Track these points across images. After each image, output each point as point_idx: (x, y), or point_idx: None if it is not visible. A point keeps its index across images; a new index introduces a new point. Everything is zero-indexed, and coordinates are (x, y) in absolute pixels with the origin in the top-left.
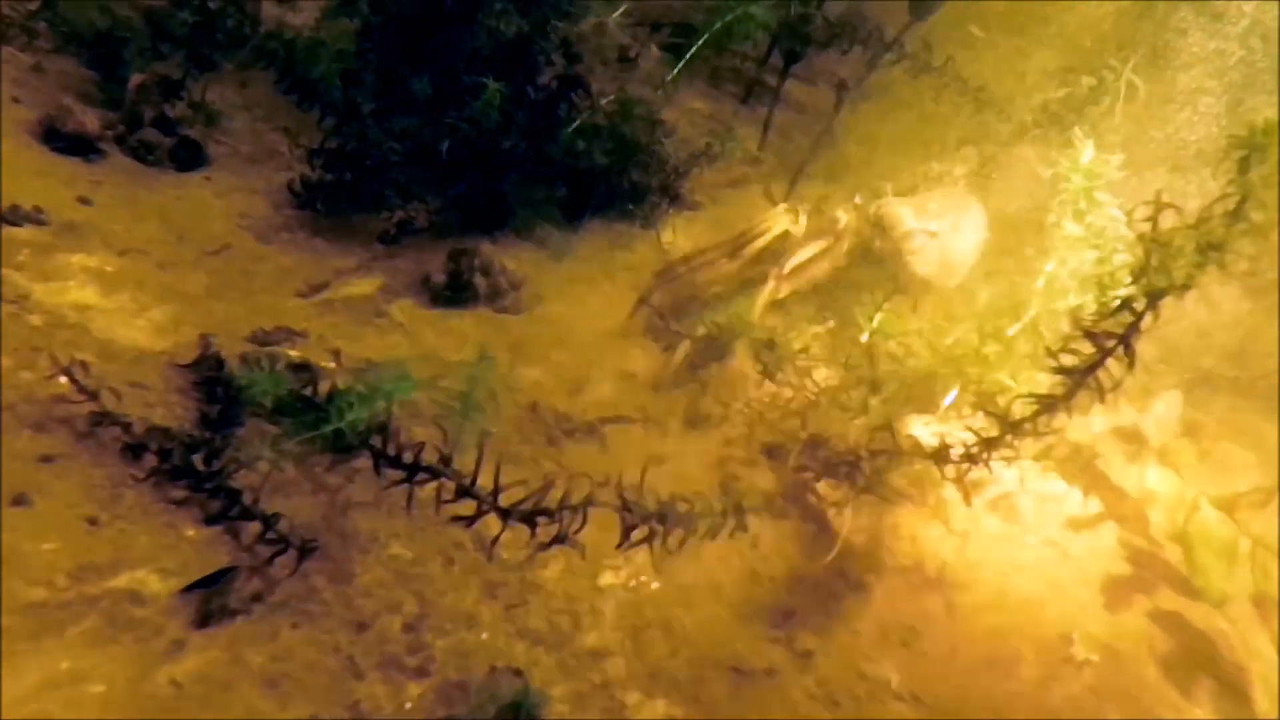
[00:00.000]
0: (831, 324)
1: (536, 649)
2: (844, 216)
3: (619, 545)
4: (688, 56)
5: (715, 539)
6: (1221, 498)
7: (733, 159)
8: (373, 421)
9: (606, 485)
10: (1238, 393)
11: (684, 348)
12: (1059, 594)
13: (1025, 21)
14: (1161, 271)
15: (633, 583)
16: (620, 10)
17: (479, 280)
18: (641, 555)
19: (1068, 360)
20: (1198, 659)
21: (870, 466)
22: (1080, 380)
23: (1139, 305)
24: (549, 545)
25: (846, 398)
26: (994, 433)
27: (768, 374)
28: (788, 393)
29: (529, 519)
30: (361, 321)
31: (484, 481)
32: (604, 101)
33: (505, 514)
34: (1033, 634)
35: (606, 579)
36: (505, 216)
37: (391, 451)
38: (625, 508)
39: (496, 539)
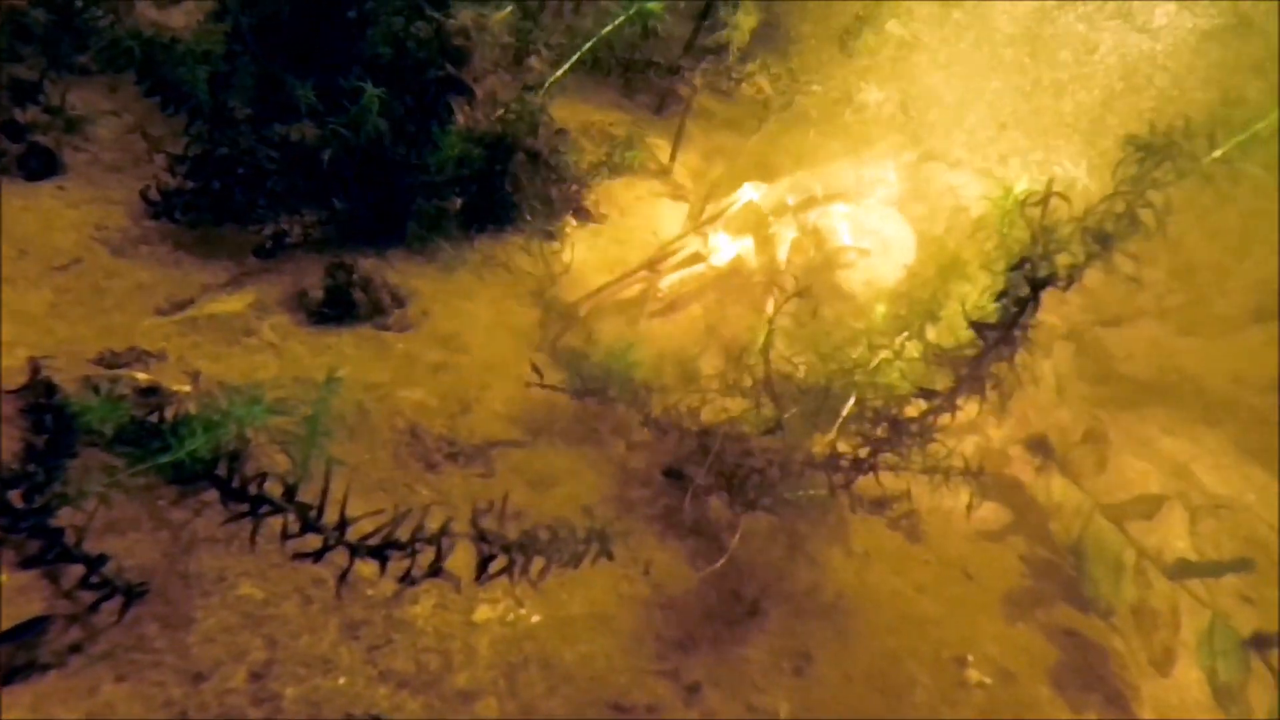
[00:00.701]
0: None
1: (401, 692)
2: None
3: (476, 578)
4: (574, 58)
5: (578, 567)
6: (1112, 508)
7: (642, 170)
8: (222, 449)
9: (490, 511)
10: (1143, 406)
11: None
12: (958, 614)
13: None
14: (1045, 261)
15: (511, 616)
16: (506, 10)
17: (359, 296)
18: (525, 588)
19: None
20: (1089, 677)
21: (769, 485)
22: (969, 375)
23: (1022, 295)
24: (409, 580)
25: (749, 414)
26: (882, 436)
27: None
28: (691, 410)
29: (379, 553)
30: (228, 341)
31: (342, 512)
32: (497, 109)
33: (353, 549)
34: (929, 657)
35: (482, 613)
36: (392, 228)
37: (236, 483)
38: (482, 538)
39: (344, 576)
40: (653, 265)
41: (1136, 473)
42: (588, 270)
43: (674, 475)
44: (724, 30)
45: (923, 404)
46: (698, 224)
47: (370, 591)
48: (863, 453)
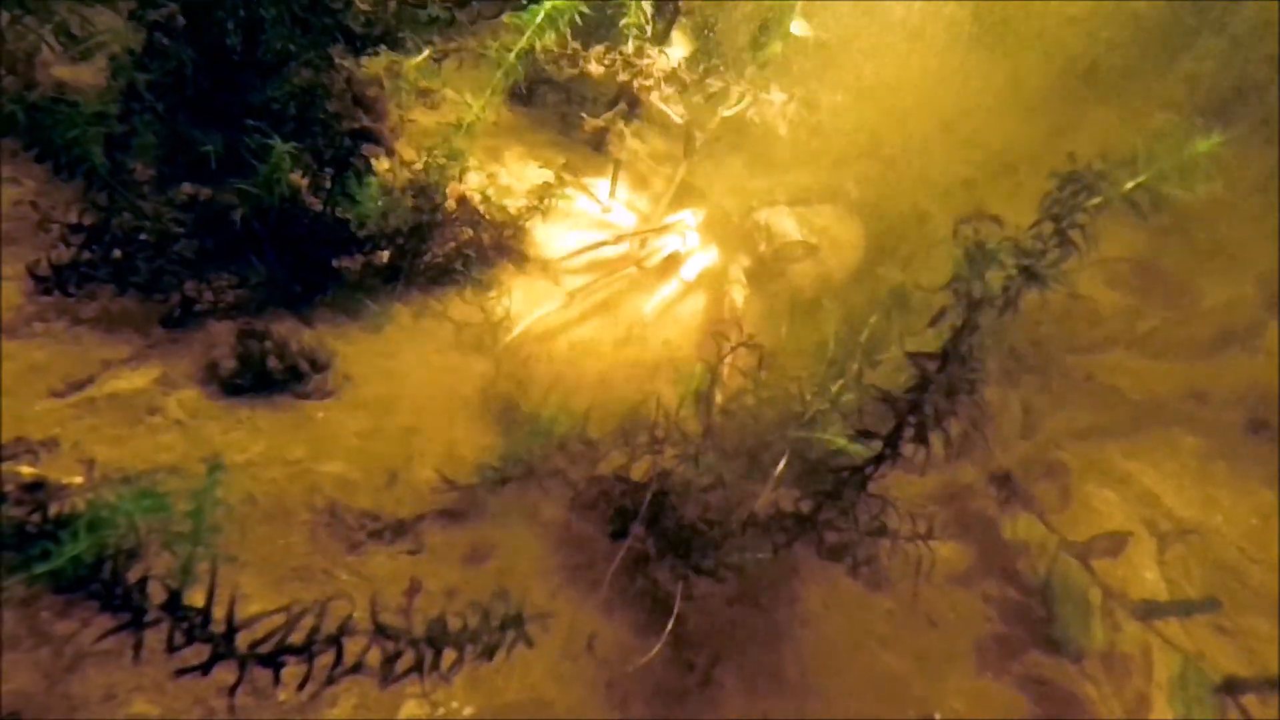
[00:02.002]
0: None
1: None
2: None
3: (381, 679)
4: (489, 90)
5: (492, 659)
6: (1077, 545)
7: (579, 211)
8: (110, 551)
9: (417, 593)
10: (1110, 434)
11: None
12: (923, 668)
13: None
14: (979, 281)
15: (440, 712)
16: (424, 55)
17: (274, 363)
18: (457, 678)
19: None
20: None
21: (712, 546)
22: (906, 412)
23: (958, 317)
24: (325, 682)
25: (690, 470)
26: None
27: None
28: (636, 467)
29: (271, 661)
30: (130, 421)
31: (230, 617)
32: (421, 157)
33: (243, 659)
34: (894, 718)
35: (408, 710)
36: (312, 289)
37: (119, 589)
38: (385, 635)
39: (234, 689)
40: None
41: (1102, 502)
42: (525, 318)
43: (621, 538)
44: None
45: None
46: (640, 253)
47: (282, 696)
48: (804, 509)
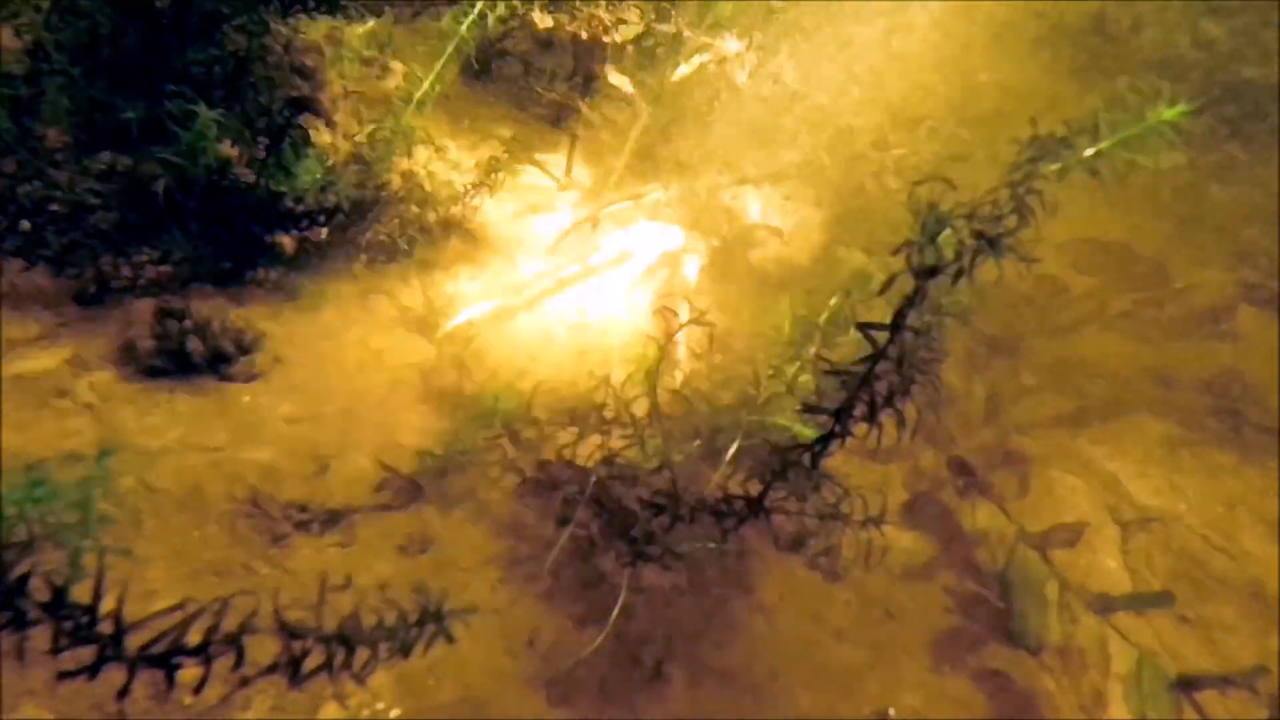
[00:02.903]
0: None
1: None
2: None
3: (290, 680)
4: (439, 65)
5: (408, 656)
6: (1036, 535)
7: (534, 187)
8: None
9: (345, 588)
10: (1079, 419)
11: None
12: (880, 661)
13: None
14: (931, 248)
15: (365, 714)
16: (369, 24)
17: (195, 344)
18: (382, 677)
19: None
20: (1008, 714)
21: (658, 533)
22: (856, 386)
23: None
24: (198, 687)
25: (636, 454)
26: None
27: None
28: (584, 449)
29: (163, 663)
30: (37, 405)
31: (118, 616)
32: (365, 129)
33: (132, 661)
34: (847, 713)
35: (329, 712)
36: (242, 266)
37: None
38: (290, 633)
39: (124, 693)
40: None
41: (1067, 489)
42: (473, 298)
43: (566, 526)
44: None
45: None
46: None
47: (189, 700)
48: (753, 491)
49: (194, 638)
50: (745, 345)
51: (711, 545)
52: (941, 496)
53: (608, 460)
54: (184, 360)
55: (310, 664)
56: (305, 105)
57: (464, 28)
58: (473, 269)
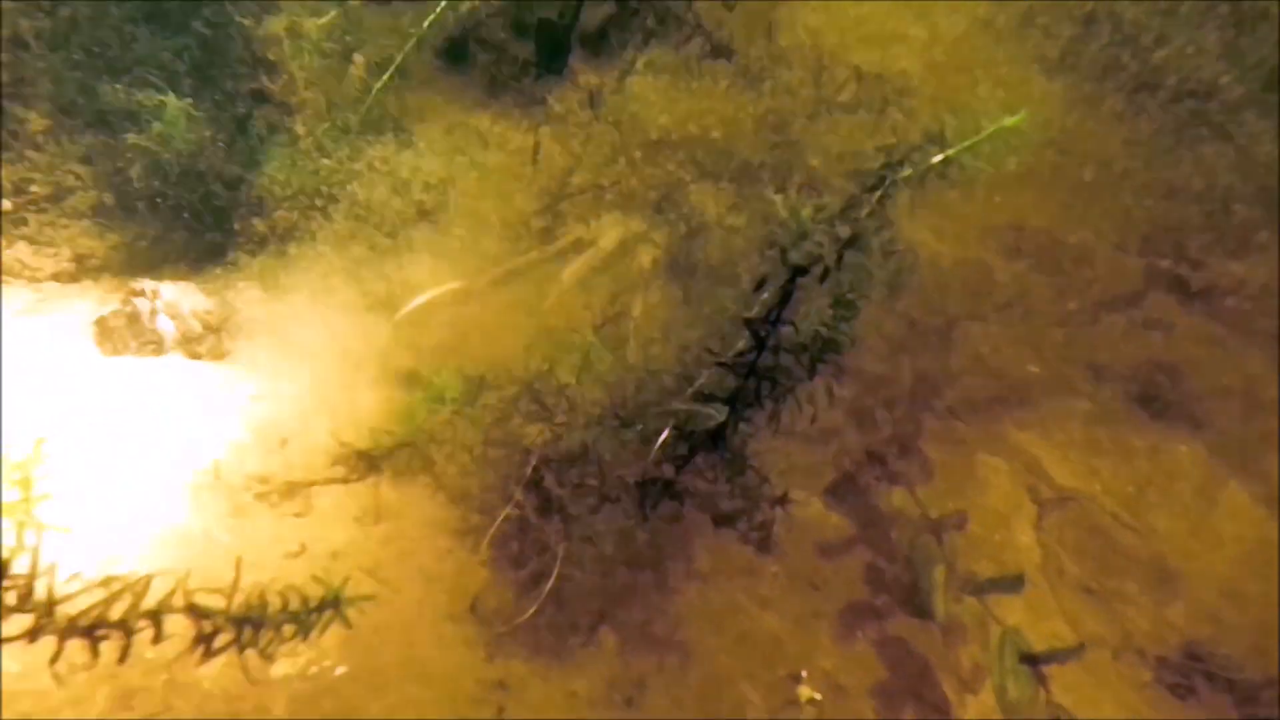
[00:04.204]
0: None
1: None
2: None
3: (201, 657)
4: (400, 57)
5: (307, 639)
6: (932, 519)
7: (501, 172)
8: None
9: (299, 554)
10: (998, 404)
11: None
12: (800, 629)
13: None
14: (798, 250)
15: (313, 670)
16: (327, 17)
17: (163, 323)
18: (330, 637)
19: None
20: (914, 691)
21: (591, 510)
22: (744, 376)
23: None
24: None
25: (564, 433)
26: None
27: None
28: (531, 430)
29: (90, 634)
30: (10, 376)
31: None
32: (331, 118)
33: (62, 631)
34: (765, 676)
35: (281, 669)
36: (213, 248)
37: None
38: (198, 614)
39: (55, 659)
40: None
41: (991, 470)
42: (436, 283)
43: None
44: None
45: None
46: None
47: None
48: (669, 474)
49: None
50: (693, 334)
51: (630, 523)
52: (863, 477)
53: (548, 443)
54: (154, 338)
55: (220, 642)
56: (266, 96)
57: (427, 23)
58: (436, 254)
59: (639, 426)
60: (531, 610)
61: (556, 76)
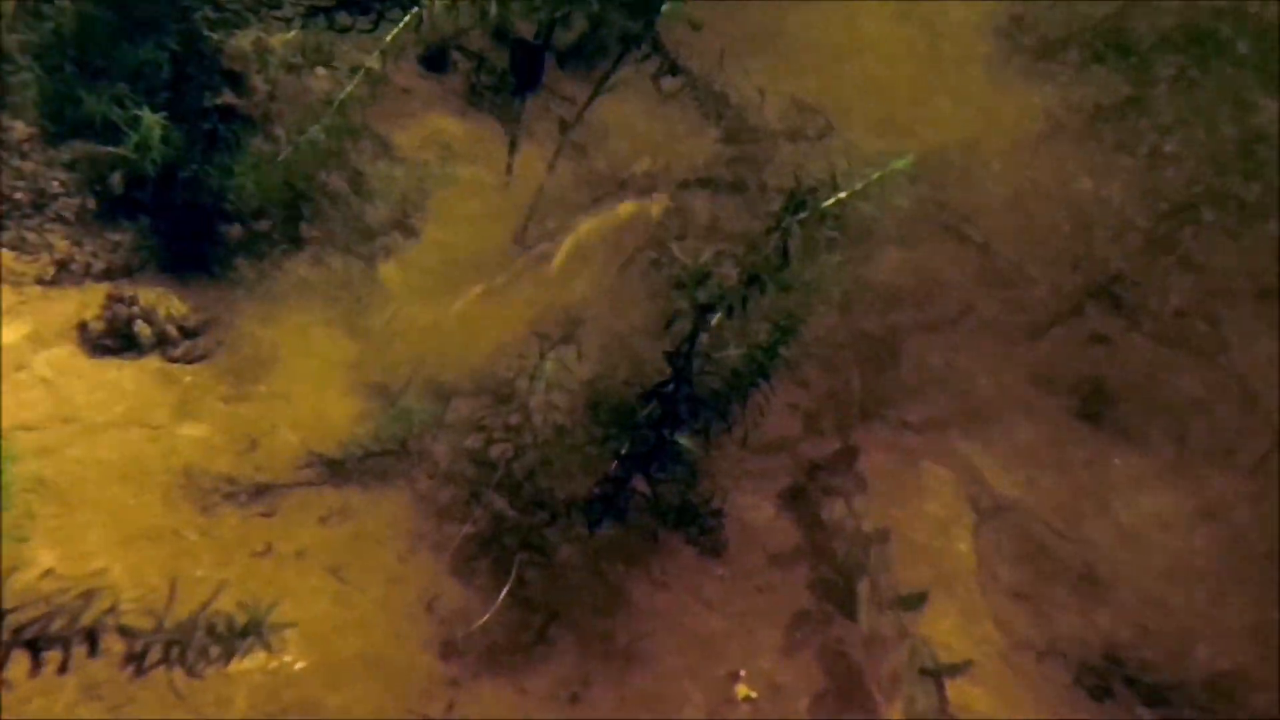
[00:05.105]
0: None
1: None
2: None
3: (133, 673)
4: (362, 71)
5: (228, 664)
6: (863, 533)
7: (475, 183)
8: None
9: (265, 554)
10: (945, 417)
11: None
12: (743, 630)
13: None
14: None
15: (273, 665)
16: (291, 33)
17: (141, 327)
18: (290, 633)
19: None
20: (844, 691)
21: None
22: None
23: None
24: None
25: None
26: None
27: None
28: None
29: (32, 646)
30: None
31: None
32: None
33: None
34: (706, 675)
35: (243, 665)
36: (190, 255)
37: None
38: (128, 633)
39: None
40: None
41: (936, 480)
42: (410, 292)
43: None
44: None
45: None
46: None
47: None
48: (619, 487)
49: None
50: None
51: (585, 533)
52: (811, 487)
53: (510, 457)
54: (132, 341)
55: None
56: (233, 110)
57: (390, 36)
58: (410, 263)
59: (595, 439)
60: (488, 614)
61: (532, 91)
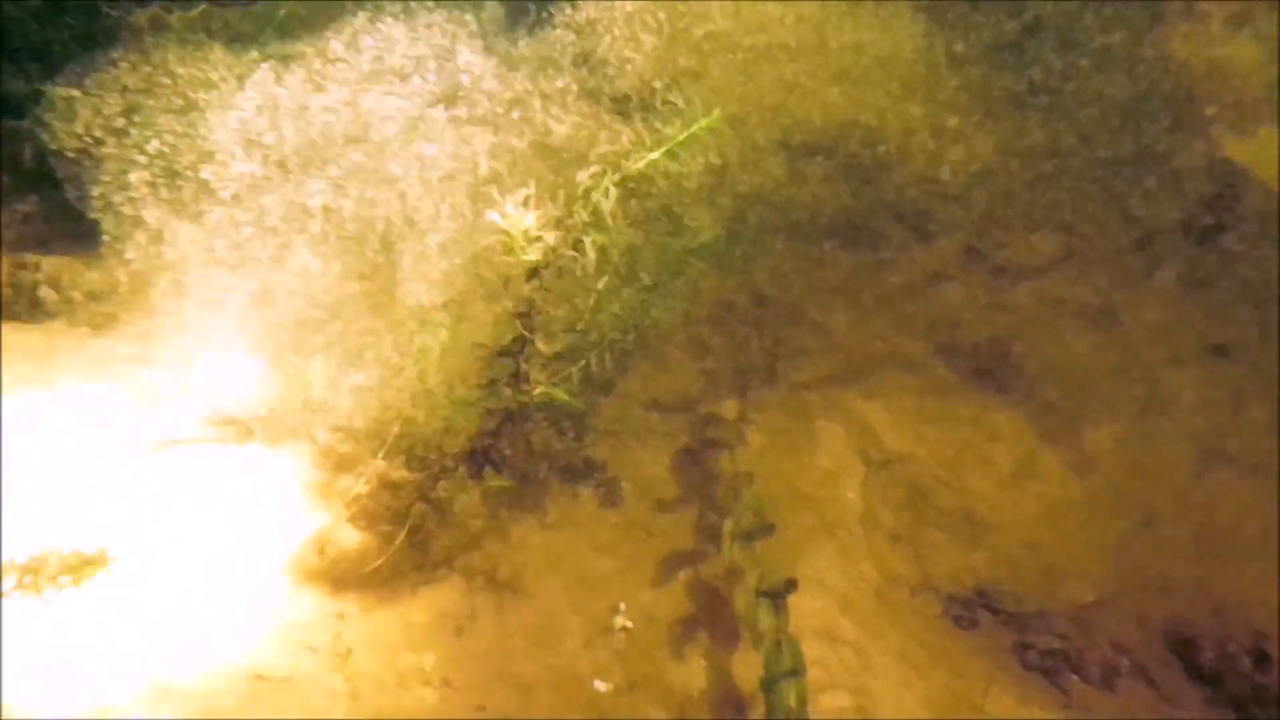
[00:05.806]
0: None
1: None
2: None
3: None
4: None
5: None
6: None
7: None
8: None
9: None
10: (843, 378)
11: None
12: (629, 570)
13: None
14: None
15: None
16: (198, 9)
17: (47, 293)
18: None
19: None
20: (708, 620)
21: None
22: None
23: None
24: None
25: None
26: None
27: None
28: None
29: None
30: None
31: None
32: None
33: None
34: (589, 610)
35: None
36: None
37: None
38: None
39: None
40: None
41: (829, 435)
42: None
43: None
44: None
45: None
46: None
47: None
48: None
49: None
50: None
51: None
52: (704, 443)
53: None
54: (39, 306)
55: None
56: (139, 83)
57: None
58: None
59: (484, 398)
60: (381, 559)
61: None
